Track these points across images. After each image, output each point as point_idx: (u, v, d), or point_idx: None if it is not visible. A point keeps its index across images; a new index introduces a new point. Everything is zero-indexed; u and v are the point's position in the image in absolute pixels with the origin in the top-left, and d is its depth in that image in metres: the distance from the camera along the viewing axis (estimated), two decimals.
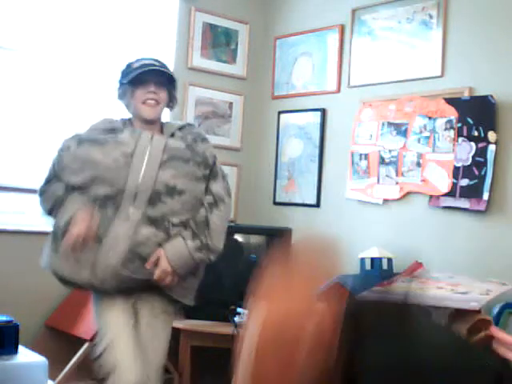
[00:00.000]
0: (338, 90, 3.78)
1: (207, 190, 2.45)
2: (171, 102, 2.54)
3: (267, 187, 4.14)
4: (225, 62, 4.09)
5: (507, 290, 1.69)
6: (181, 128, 2.51)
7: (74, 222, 2.27)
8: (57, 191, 2.38)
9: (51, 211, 2.42)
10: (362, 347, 0.98)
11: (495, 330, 1.22)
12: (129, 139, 2.36)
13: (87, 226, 2.26)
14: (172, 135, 2.46)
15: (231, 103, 4.13)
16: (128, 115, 2.52)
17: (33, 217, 3.47)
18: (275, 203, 4.09)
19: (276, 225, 3.94)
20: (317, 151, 3.86)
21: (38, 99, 3.50)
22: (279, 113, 4.12)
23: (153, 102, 2.40)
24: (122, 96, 2.48)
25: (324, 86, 3.86)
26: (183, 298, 2.46)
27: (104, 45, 3.68)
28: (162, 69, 2.43)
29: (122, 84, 2.46)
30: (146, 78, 2.39)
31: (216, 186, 2.46)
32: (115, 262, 2.28)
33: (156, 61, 2.47)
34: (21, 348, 2.75)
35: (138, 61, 2.46)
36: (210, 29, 4.02)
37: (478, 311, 1.39)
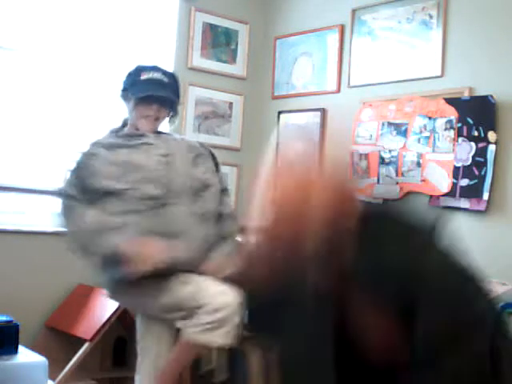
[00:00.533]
0: (338, 90, 3.78)
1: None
2: (173, 117, 2.58)
3: None
4: (225, 62, 4.09)
5: (506, 290, 1.71)
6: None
7: (138, 250, 2.20)
8: (86, 218, 2.30)
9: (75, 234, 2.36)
10: (360, 251, 1.06)
11: None
12: (157, 141, 2.42)
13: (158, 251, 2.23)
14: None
15: (231, 103, 4.13)
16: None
17: (33, 217, 3.47)
18: None
19: None
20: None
21: (38, 99, 3.50)
22: (279, 113, 4.12)
23: (152, 118, 2.45)
24: (124, 98, 2.50)
25: (324, 86, 3.86)
26: None
27: (104, 45, 3.68)
28: (168, 90, 2.45)
29: (126, 89, 2.47)
30: (151, 95, 2.42)
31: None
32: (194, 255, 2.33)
33: (165, 74, 2.49)
34: (21, 348, 2.75)
35: (147, 70, 2.46)
36: (210, 29, 4.02)
37: None
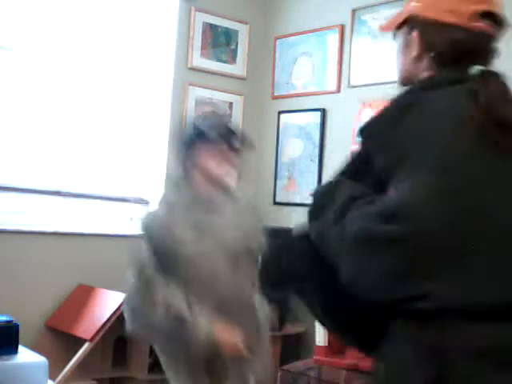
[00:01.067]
0: (338, 90, 3.78)
1: None
2: None
3: (267, 187, 4.14)
4: (225, 62, 4.10)
5: None
6: None
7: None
8: None
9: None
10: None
11: None
12: None
13: None
14: None
15: (231, 103, 4.13)
16: None
17: (33, 217, 3.47)
18: (275, 203, 4.09)
19: (276, 225, 3.94)
20: (317, 151, 3.86)
21: (39, 99, 3.50)
22: (279, 113, 4.12)
23: None
24: None
25: (324, 86, 3.86)
26: None
27: (104, 45, 3.69)
28: None
29: None
30: None
31: None
32: None
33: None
34: (21, 348, 2.75)
35: None
36: (210, 29, 4.02)
37: None
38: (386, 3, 3.54)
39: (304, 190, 3.91)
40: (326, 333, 2.83)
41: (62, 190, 3.51)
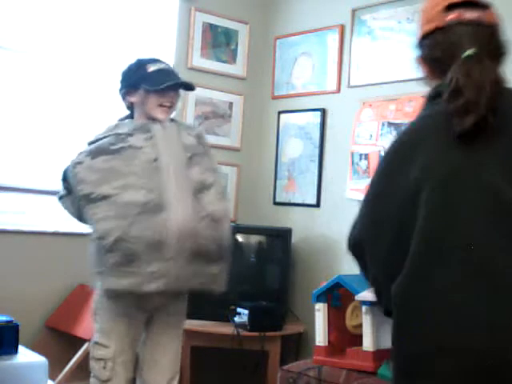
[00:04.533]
0: (338, 90, 3.78)
1: None
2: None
3: (267, 187, 4.14)
4: (225, 61, 4.10)
5: None
6: (179, 125, 2.55)
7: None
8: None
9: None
10: None
11: None
12: (144, 143, 2.37)
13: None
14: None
15: (231, 103, 4.13)
16: (125, 111, 2.54)
17: (33, 217, 3.47)
18: (275, 203, 4.09)
19: (276, 225, 3.94)
20: (317, 151, 3.86)
21: (39, 99, 3.50)
22: (279, 113, 4.12)
23: (167, 107, 2.45)
24: (130, 94, 2.47)
25: (324, 86, 3.86)
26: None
27: (104, 44, 3.68)
28: (180, 81, 2.49)
29: (135, 84, 2.45)
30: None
31: None
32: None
33: (167, 64, 2.52)
34: (21, 348, 2.75)
35: (151, 62, 2.46)
36: (210, 29, 4.02)
37: None
38: (385, 3, 3.54)
39: (304, 190, 3.91)
40: (326, 333, 2.83)
41: None
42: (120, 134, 2.39)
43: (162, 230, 2.24)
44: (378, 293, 1.40)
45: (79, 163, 2.35)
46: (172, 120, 2.53)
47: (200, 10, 3.97)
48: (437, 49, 1.40)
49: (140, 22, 3.82)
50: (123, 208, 2.25)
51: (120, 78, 2.51)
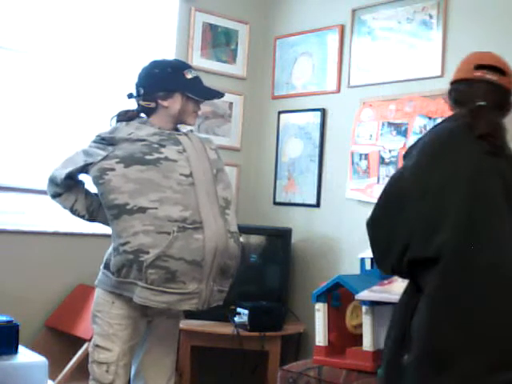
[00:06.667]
0: (338, 90, 3.78)
1: None
2: None
3: (267, 187, 4.14)
4: (225, 61, 4.10)
5: None
6: (200, 138, 2.53)
7: None
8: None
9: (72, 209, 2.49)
10: None
11: None
12: (178, 156, 2.33)
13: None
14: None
15: (231, 103, 4.13)
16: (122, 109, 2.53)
17: (33, 217, 3.47)
18: (275, 203, 4.09)
19: (276, 225, 3.94)
20: (317, 151, 3.86)
21: (39, 99, 3.50)
22: (279, 113, 4.12)
23: (197, 114, 2.53)
24: (163, 97, 2.42)
25: (324, 86, 3.86)
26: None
27: (104, 45, 3.68)
28: (222, 94, 2.67)
29: (171, 89, 2.44)
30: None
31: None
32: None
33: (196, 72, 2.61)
34: (21, 348, 2.75)
35: (186, 68, 2.54)
36: (210, 29, 4.02)
37: None
38: (385, 3, 3.54)
39: (304, 190, 3.91)
40: (326, 333, 2.83)
41: None
42: (151, 143, 2.32)
43: (200, 249, 2.21)
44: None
45: (111, 170, 2.26)
46: (191, 130, 2.53)
47: (200, 10, 3.97)
48: (459, 94, 1.97)
49: (140, 21, 3.82)
50: (162, 223, 2.20)
51: (145, 79, 2.47)
